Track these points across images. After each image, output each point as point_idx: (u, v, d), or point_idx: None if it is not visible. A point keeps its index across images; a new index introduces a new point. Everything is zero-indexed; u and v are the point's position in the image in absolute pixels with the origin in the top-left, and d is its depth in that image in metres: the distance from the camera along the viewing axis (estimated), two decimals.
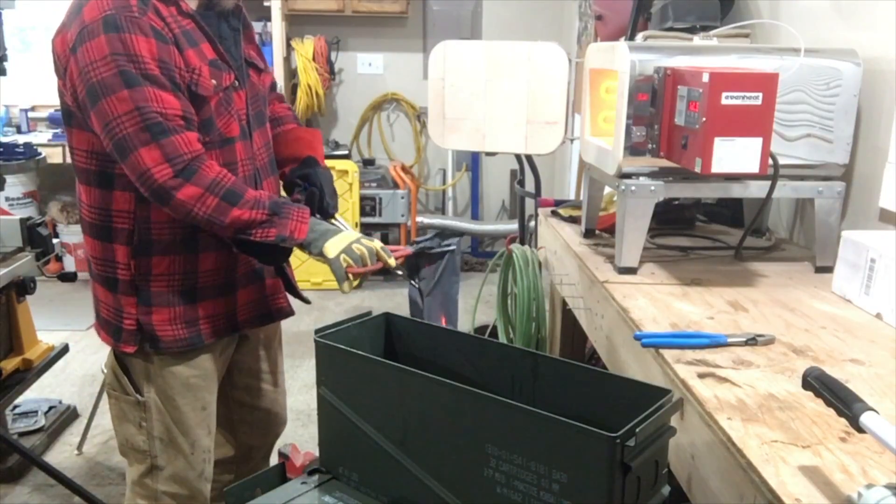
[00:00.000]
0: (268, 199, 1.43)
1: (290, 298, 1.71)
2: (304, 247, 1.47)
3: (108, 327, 1.53)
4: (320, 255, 1.46)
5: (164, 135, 1.33)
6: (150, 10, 1.35)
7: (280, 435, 1.87)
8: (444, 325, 2.21)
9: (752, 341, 1.21)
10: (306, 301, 1.74)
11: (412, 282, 2.05)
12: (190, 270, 1.50)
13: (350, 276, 1.47)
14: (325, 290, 4.68)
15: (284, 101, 1.81)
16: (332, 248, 1.45)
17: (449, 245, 2.52)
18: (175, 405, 1.54)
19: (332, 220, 1.61)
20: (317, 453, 1.18)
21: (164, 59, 1.34)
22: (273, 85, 1.75)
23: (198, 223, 1.40)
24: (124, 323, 1.50)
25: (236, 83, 1.49)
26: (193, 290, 1.51)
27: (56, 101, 1.48)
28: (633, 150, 1.56)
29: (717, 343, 1.20)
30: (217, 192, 1.37)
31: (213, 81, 1.42)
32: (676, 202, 2.07)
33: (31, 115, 4.93)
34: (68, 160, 1.30)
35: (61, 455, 2.86)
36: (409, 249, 1.68)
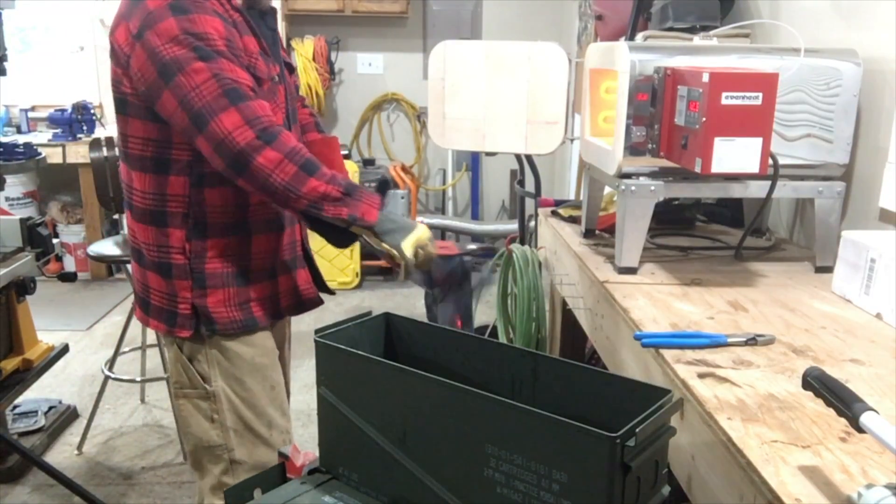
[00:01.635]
0: (342, 178, 1.43)
1: None
2: (375, 233, 1.45)
3: (161, 314, 1.54)
4: (394, 248, 1.45)
5: (241, 100, 1.34)
6: None
7: None
8: (459, 328, 2.20)
9: (751, 341, 1.21)
10: (332, 293, 1.77)
11: (428, 290, 2.04)
12: (243, 253, 1.52)
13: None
14: None
15: (307, 104, 1.85)
16: (410, 245, 1.45)
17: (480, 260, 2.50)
18: (245, 387, 1.55)
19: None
20: (317, 453, 1.18)
21: (230, 38, 1.39)
22: (297, 86, 1.78)
23: (272, 191, 1.38)
24: (179, 307, 1.51)
25: (277, 77, 1.53)
26: (246, 272, 1.53)
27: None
28: (633, 150, 1.56)
29: (717, 343, 1.20)
30: (296, 160, 1.36)
31: (266, 69, 1.48)
32: (676, 202, 2.07)
33: (31, 115, 4.93)
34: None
35: (61, 455, 2.86)
36: (457, 248, 1.67)
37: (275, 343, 1.64)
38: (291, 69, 1.67)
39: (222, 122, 1.33)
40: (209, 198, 1.47)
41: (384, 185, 1.54)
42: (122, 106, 1.47)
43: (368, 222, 1.43)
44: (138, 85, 1.40)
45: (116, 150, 3.24)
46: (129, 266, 3.31)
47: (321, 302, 1.70)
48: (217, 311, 1.51)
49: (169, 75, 1.34)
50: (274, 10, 1.58)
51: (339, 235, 1.49)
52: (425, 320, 1.20)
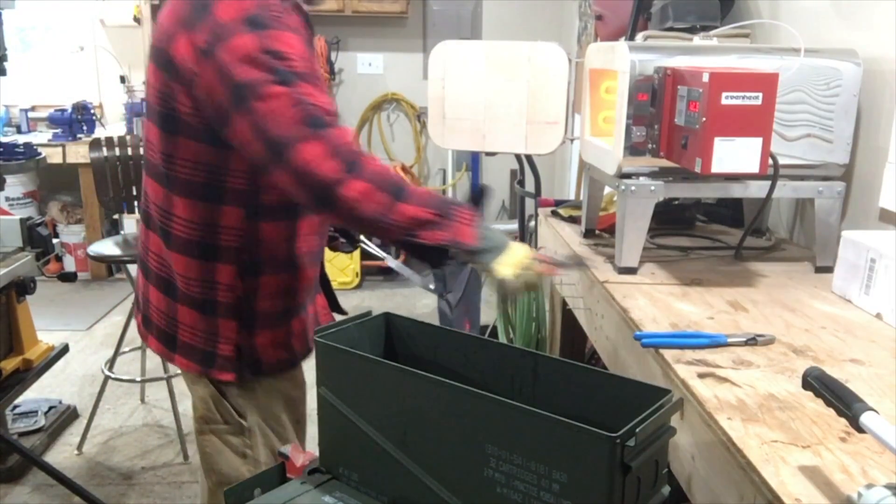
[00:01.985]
0: (432, 196, 1.27)
1: None
2: (471, 254, 1.28)
3: (193, 353, 1.40)
4: (488, 270, 1.28)
5: (324, 127, 1.20)
6: (291, 5, 1.28)
7: None
8: (468, 330, 2.18)
9: (752, 341, 1.21)
10: (344, 313, 1.71)
11: (442, 295, 2.04)
12: (290, 289, 1.42)
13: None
14: None
15: None
16: (506, 267, 1.27)
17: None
18: (280, 422, 1.47)
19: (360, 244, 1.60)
20: (317, 453, 1.18)
21: (308, 56, 1.26)
22: None
23: (361, 225, 1.28)
24: (219, 348, 1.39)
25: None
26: (291, 308, 1.44)
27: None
28: (633, 150, 1.56)
29: (716, 343, 1.20)
30: (384, 187, 1.21)
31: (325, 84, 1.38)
32: (676, 202, 2.07)
33: (31, 115, 4.94)
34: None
35: (61, 455, 2.86)
36: (552, 260, 1.40)
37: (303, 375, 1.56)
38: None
39: (304, 152, 1.18)
40: (265, 232, 1.35)
41: (480, 193, 1.35)
42: (172, 124, 1.30)
43: (467, 245, 1.26)
44: (204, 107, 1.25)
45: (117, 150, 3.25)
46: (129, 266, 3.31)
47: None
48: (265, 352, 1.41)
49: (243, 99, 1.19)
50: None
51: (436, 256, 1.32)
52: (425, 320, 1.20)
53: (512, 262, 1.27)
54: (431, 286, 1.81)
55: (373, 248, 1.54)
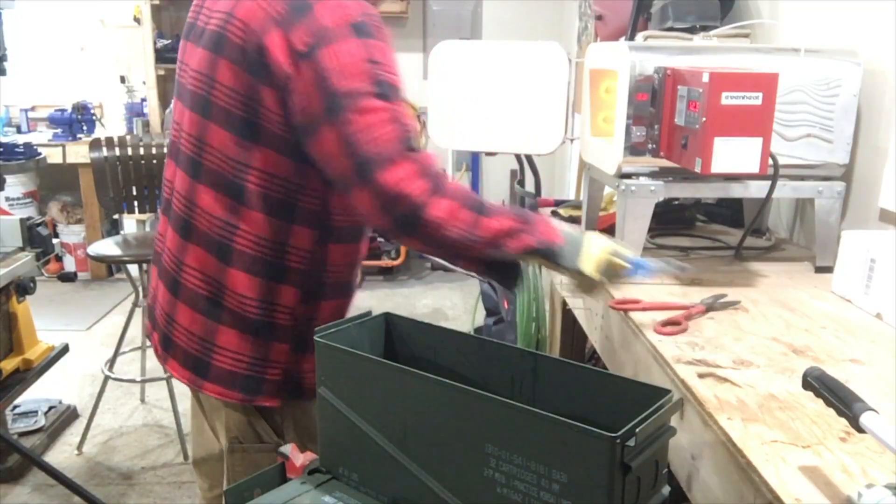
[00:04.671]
0: (508, 207, 1.26)
1: None
2: (549, 257, 1.23)
3: (234, 380, 1.32)
4: (574, 272, 1.23)
5: (415, 151, 1.16)
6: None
7: None
8: (507, 308, 2.17)
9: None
10: None
11: (483, 279, 2.03)
12: (343, 312, 1.37)
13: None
14: None
15: None
16: (589, 261, 1.23)
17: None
18: (312, 436, 1.39)
19: None
20: (317, 453, 1.18)
21: (400, 73, 1.20)
22: None
23: (445, 245, 1.20)
24: (268, 373, 1.32)
25: None
26: None
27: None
28: (633, 150, 1.56)
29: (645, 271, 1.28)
30: (467, 204, 1.17)
31: None
32: (676, 202, 2.07)
33: (31, 115, 4.94)
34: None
35: (61, 455, 2.86)
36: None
37: None
38: None
39: (395, 172, 1.12)
40: (332, 255, 1.30)
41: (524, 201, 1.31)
42: (252, 131, 1.21)
43: (556, 245, 1.21)
44: (295, 113, 1.17)
45: (117, 150, 3.25)
46: (129, 266, 3.31)
47: None
48: (309, 378, 1.31)
49: (339, 109, 1.12)
50: None
51: (509, 273, 1.29)
52: (425, 320, 1.20)
53: (594, 257, 1.23)
54: (474, 273, 1.71)
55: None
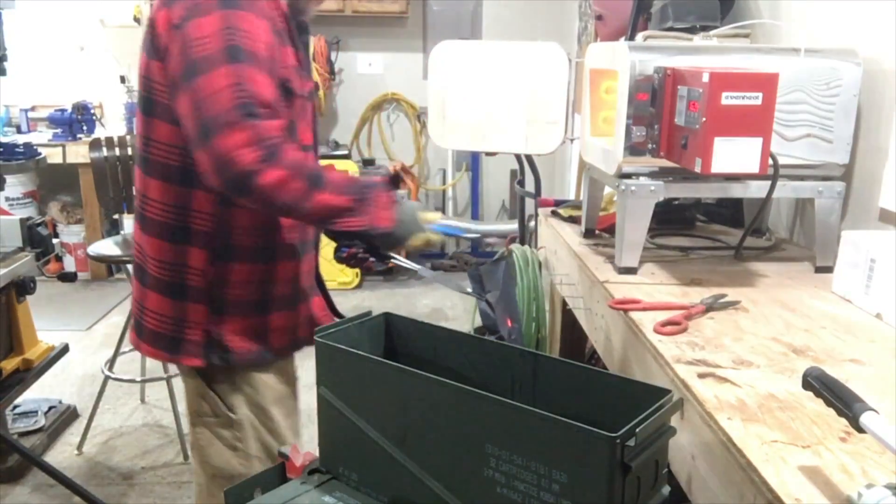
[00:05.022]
0: (349, 183, 1.34)
1: None
2: (372, 240, 1.37)
3: (159, 339, 1.43)
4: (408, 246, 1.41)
5: (252, 117, 1.22)
6: None
7: None
8: (510, 326, 2.19)
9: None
10: (341, 317, 1.71)
11: (481, 297, 2.04)
12: (266, 280, 1.43)
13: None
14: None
15: None
16: (418, 240, 1.42)
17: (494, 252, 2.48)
18: (269, 415, 1.48)
19: None
20: (317, 453, 1.18)
21: (273, 45, 1.29)
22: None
23: (278, 211, 1.32)
24: (187, 334, 1.41)
25: (308, 94, 1.46)
26: (267, 301, 1.45)
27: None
28: (633, 150, 1.56)
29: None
30: (301, 176, 1.26)
31: (300, 84, 1.39)
32: (676, 202, 2.07)
33: (31, 115, 4.94)
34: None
35: (61, 455, 2.86)
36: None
37: (294, 371, 1.58)
38: (316, 90, 1.62)
39: (228, 138, 1.21)
40: (237, 218, 1.37)
41: (397, 177, 1.45)
42: (149, 106, 1.35)
43: (384, 229, 1.34)
44: (167, 80, 1.29)
45: (117, 150, 3.25)
46: (129, 267, 3.31)
47: None
48: (232, 341, 1.42)
49: (191, 74, 1.23)
50: (308, 28, 1.52)
51: (383, 249, 1.41)
52: (425, 320, 1.20)
53: (422, 238, 1.41)
54: (469, 289, 1.80)
55: (405, 263, 1.53)
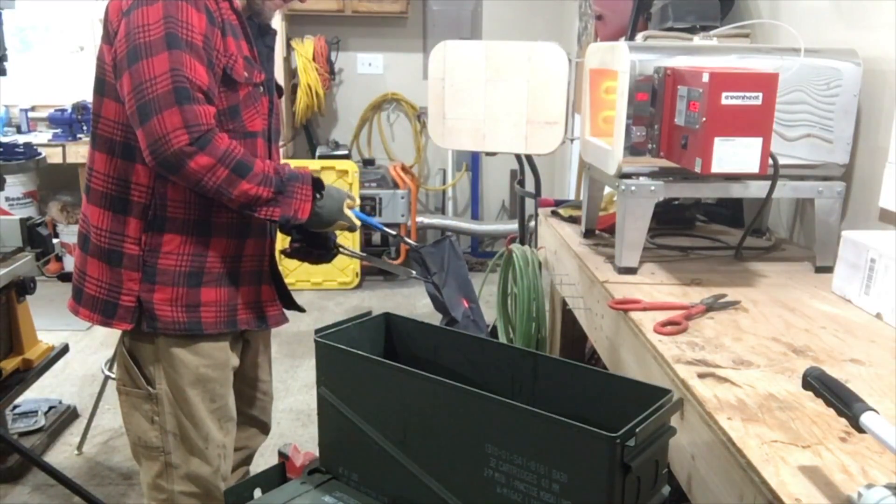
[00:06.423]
0: (275, 175, 1.44)
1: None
2: (290, 231, 1.53)
3: (96, 304, 1.51)
4: (332, 229, 1.57)
5: (187, 101, 1.33)
6: None
7: (260, 445, 1.86)
8: (466, 307, 2.23)
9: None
10: (301, 310, 1.74)
11: (427, 279, 2.07)
12: (199, 253, 1.50)
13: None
14: (325, 290, 4.68)
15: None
16: (337, 228, 1.57)
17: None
18: (185, 397, 1.53)
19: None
20: (317, 453, 1.18)
21: (209, 36, 1.39)
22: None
23: (206, 193, 1.41)
24: (122, 299, 1.49)
25: (262, 88, 1.53)
26: (199, 274, 1.50)
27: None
28: (633, 150, 1.56)
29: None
30: (228, 164, 1.38)
31: (245, 74, 1.47)
32: (676, 202, 2.07)
33: (31, 115, 4.93)
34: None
35: (61, 455, 2.86)
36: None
37: (233, 356, 1.61)
38: (280, 94, 1.67)
39: (164, 120, 1.32)
40: (172, 192, 1.45)
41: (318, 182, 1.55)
42: (100, 85, 1.46)
43: (302, 220, 1.48)
44: (113, 62, 1.40)
45: None
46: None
47: (286, 320, 1.67)
48: (161, 309, 1.48)
49: (133, 58, 1.34)
50: (274, 32, 1.62)
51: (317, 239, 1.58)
52: (425, 320, 1.20)
53: (343, 225, 1.56)
54: (414, 272, 1.85)
55: (350, 252, 1.65)
